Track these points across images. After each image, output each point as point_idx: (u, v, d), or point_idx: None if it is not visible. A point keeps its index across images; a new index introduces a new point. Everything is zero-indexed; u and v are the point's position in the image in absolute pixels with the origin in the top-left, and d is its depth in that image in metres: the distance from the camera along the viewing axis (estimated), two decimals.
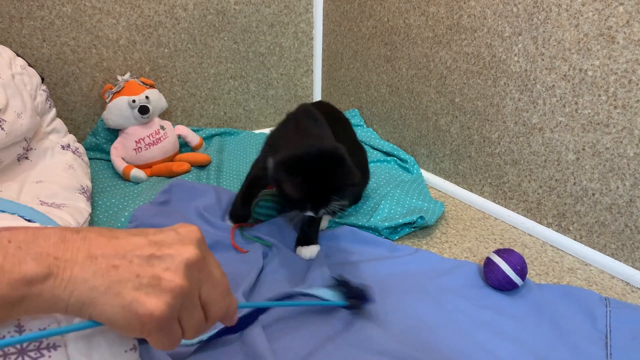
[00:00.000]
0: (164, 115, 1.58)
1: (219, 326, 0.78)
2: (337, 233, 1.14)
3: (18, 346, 0.40)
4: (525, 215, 1.25)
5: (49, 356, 0.41)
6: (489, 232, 1.22)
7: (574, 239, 1.15)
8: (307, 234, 1.08)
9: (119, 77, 1.43)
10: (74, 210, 1.01)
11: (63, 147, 1.12)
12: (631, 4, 0.93)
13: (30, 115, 1.00)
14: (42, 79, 1.13)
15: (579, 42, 1.03)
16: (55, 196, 1.00)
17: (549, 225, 1.20)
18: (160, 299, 0.39)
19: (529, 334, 0.87)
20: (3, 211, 0.70)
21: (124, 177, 1.35)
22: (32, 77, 1.07)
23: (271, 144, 1.06)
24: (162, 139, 1.41)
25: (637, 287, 1.03)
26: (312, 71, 1.89)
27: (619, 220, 1.05)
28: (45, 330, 0.41)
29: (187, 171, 1.39)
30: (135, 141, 1.38)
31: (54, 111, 1.14)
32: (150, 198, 1.16)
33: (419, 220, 1.17)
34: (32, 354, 0.40)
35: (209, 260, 0.46)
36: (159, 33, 1.51)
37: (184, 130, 1.52)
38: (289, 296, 0.89)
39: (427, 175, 1.50)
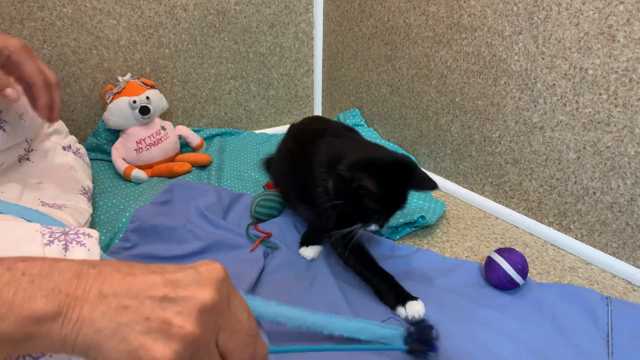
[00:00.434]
0: (164, 116, 1.58)
1: None
2: None
3: None
4: (526, 215, 1.25)
5: None
6: (490, 232, 1.22)
7: (575, 238, 1.15)
8: (313, 234, 1.07)
9: (120, 78, 1.43)
10: (75, 210, 1.01)
11: (64, 148, 1.12)
12: (631, 2, 0.93)
13: (31, 117, 1.00)
14: None
15: (580, 40, 1.03)
16: (56, 197, 1.01)
17: (550, 224, 1.20)
18: (168, 346, 0.36)
19: (530, 333, 0.87)
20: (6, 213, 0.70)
21: (125, 178, 1.35)
22: None
23: (326, 159, 0.97)
24: (162, 139, 1.41)
25: (639, 286, 1.03)
26: (313, 71, 1.89)
27: (620, 219, 1.05)
28: None
29: (188, 171, 1.39)
30: (136, 142, 1.38)
31: None
32: (151, 198, 1.17)
33: (420, 219, 1.17)
34: None
35: (232, 302, 0.43)
36: (159, 34, 1.51)
37: (184, 130, 1.52)
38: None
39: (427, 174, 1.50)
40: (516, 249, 1.01)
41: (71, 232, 0.67)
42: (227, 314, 0.41)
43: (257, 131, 1.81)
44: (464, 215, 1.29)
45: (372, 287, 0.94)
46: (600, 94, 1.02)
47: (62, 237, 0.65)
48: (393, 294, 0.91)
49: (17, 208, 0.71)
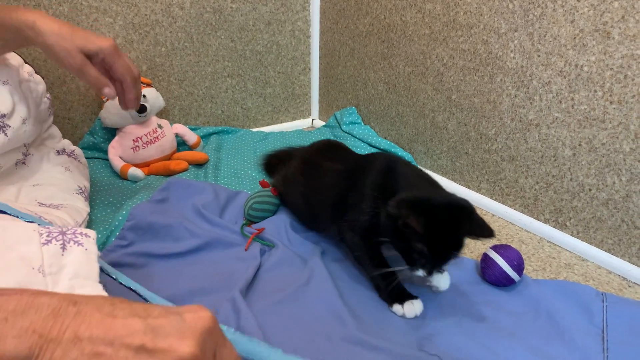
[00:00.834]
0: (161, 114, 1.58)
1: None
2: None
3: None
4: (522, 212, 1.25)
5: None
6: None
7: (571, 235, 1.15)
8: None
9: None
10: (72, 210, 1.01)
11: (58, 152, 1.13)
12: None
13: (33, 122, 1.00)
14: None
15: (575, 37, 1.03)
16: (52, 197, 1.01)
17: (546, 221, 1.20)
18: None
19: (526, 329, 0.87)
20: (2, 212, 0.70)
21: (121, 176, 1.35)
22: (39, 84, 1.07)
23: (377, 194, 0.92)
24: (159, 137, 1.41)
25: (634, 282, 1.04)
26: (310, 69, 1.89)
27: (616, 215, 1.06)
28: None
29: (185, 170, 1.39)
30: (133, 140, 1.38)
31: (51, 118, 1.14)
32: (148, 196, 1.17)
33: None
34: None
35: (220, 354, 0.40)
36: (155, 32, 1.51)
37: (181, 128, 1.52)
38: None
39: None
40: (512, 245, 1.01)
41: (69, 231, 0.67)
42: None
43: (254, 129, 1.81)
44: None
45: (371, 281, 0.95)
46: (595, 91, 1.03)
47: (60, 236, 0.65)
48: (392, 291, 0.91)
49: (11, 210, 0.71)
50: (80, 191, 1.09)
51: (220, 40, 1.64)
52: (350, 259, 1.04)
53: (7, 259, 0.57)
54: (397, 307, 0.89)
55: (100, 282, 0.63)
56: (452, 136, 1.39)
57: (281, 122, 1.91)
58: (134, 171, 1.33)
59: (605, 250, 1.10)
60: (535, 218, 1.22)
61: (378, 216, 0.87)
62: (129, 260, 0.97)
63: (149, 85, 1.45)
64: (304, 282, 0.95)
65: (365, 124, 1.74)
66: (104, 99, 1.40)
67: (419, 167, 0.99)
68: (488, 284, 0.99)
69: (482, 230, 0.83)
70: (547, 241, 1.18)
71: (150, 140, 1.40)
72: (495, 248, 0.98)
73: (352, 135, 1.69)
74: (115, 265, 0.95)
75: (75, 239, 0.64)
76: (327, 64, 1.84)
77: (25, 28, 0.83)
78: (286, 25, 1.75)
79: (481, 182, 1.34)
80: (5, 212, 0.69)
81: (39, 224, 0.66)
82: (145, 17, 1.47)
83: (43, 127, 1.11)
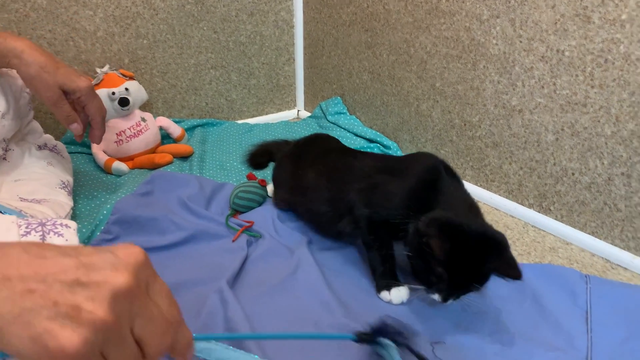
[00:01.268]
0: (144, 107, 1.56)
1: None
2: None
3: None
4: (507, 197, 1.26)
5: None
6: None
7: (555, 219, 1.16)
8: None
9: (98, 70, 1.41)
10: (54, 204, 1.00)
11: (39, 147, 1.12)
12: None
13: (12, 117, 0.99)
14: None
15: (556, 23, 1.04)
16: (34, 192, 1.00)
17: (530, 206, 1.21)
18: (77, 332, 0.34)
19: (511, 313, 0.88)
20: None
21: (105, 170, 1.34)
22: (17, 78, 1.06)
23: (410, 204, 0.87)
24: (143, 130, 1.40)
25: (617, 264, 1.05)
26: (294, 59, 1.89)
27: (599, 198, 1.07)
28: None
29: (170, 162, 1.38)
30: (116, 134, 1.37)
31: (32, 113, 1.13)
32: (133, 190, 1.16)
33: None
34: None
35: (152, 288, 0.41)
36: (137, 24, 1.50)
37: (165, 121, 1.51)
38: None
39: None
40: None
41: (48, 223, 0.67)
42: (144, 300, 0.40)
43: (239, 121, 1.80)
44: None
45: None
46: (577, 76, 1.03)
47: (39, 228, 0.64)
48: (384, 274, 0.91)
49: None
50: (63, 186, 1.08)
51: (202, 32, 1.63)
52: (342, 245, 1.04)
53: None
54: (384, 294, 0.89)
55: None
56: (437, 124, 1.39)
57: (267, 114, 1.90)
58: (118, 165, 1.32)
59: (588, 234, 1.11)
60: (519, 203, 1.23)
61: (405, 224, 0.84)
62: None
63: (131, 78, 1.43)
64: (291, 272, 0.95)
65: (350, 114, 1.74)
66: None
67: (463, 184, 0.94)
68: None
69: (510, 270, 0.77)
70: (532, 226, 1.19)
71: (134, 133, 1.38)
72: None
73: (338, 126, 1.69)
74: None
75: (55, 230, 0.63)
76: (312, 54, 1.84)
77: (12, 56, 0.88)
78: (269, 15, 1.74)
79: (466, 169, 1.35)
80: None
81: (18, 217, 0.65)
82: (126, 9, 1.46)
83: (23, 122, 1.09)
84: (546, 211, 1.18)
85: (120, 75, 1.41)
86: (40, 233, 0.62)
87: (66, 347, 0.33)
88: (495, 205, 1.27)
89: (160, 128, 1.49)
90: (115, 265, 0.38)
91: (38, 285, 0.35)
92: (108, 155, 1.36)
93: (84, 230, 1.04)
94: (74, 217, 1.08)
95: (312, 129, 1.70)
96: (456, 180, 0.93)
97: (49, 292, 0.35)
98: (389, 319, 0.69)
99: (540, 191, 1.18)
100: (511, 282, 0.78)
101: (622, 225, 1.05)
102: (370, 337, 0.68)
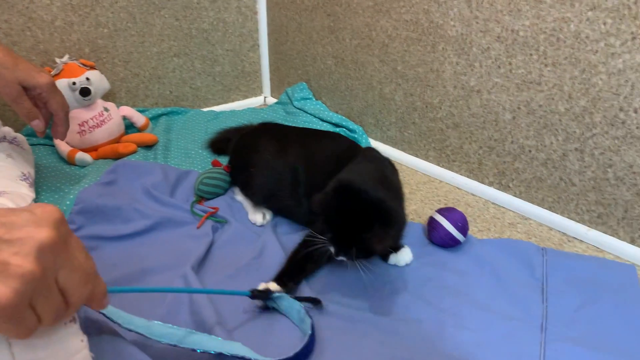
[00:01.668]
0: (107, 97, 1.54)
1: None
2: None
3: None
4: (468, 176, 1.29)
5: None
6: (434, 195, 1.25)
7: (514, 195, 1.20)
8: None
9: (57, 60, 1.39)
10: (15, 196, 0.99)
11: None
12: None
13: None
14: None
15: (510, 3, 1.06)
16: None
17: (490, 184, 1.24)
18: (7, 285, 0.37)
19: (471, 286, 0.91)
20: None
21: (69, 162, 1.32)
22: None
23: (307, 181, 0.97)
24: (106, 120, 1.39)
25: (573, 237, 1.09)
26: (259, 46, 1.88)
27: (554, 174, 1.10)
28: None
29: (134, 152, 1.37)
30: (79, 124, 1.35)
31: None
32: (96, 179, 1.15)
33: None
34: None
35: (70, 242, 0.44)
36: (96, 13, 1.47)
37: (128, 111, 1.49)
38: None
39: (375, 144, 1.53)
40: (458, 209, 1.05)
41: None
42: (66, 252, 0.42)
43: (205, 109, 1.79)
44: (409, 181, 1.33)
45: None
46: (531, 55, 1.06)
47: None
48: None
49: None
50: (25, 177, 1.07)
51: (164, 20, 1.61)
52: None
53: None
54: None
55: None
56: (400, 107, 1.41)
57: (233, 101, 1.90)
58: (82, 156, 1.31)
59: (546, 209, 1.14)
60: (480, 181, 1.26)
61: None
62: None
63: (92, 68, 1.41)
64: (256, 256, 0.97)
65: (316, 99, 1.75)
66: None
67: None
68: (435, 245, 1.02)
69: (376, 243, 0.78)
70: (492, 203, 1.22)
71: (97, 124, 1.37)
72: (440, 211, 1.01)
73: (304, 111, 1.69)
74: None
75: None
76: (276, 40, 1.84)
77: None
78: (232, 1, 1.73)
79: (429, 151, 1.37)
80: None
81: None
82: None
83: None
84: (505, 188, 1.21)
85: (81, 65, 1.39)
86: None
87: None
88: (457, 184, 1.30)
89: (124, 118, 1.48)
90: (37, 222, 0.40)
91: None
92: (71, 146, 1.34)
93: None
94: None
95: (279, 115, 1.71)
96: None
97: None
98: None
99: (500, 169, 1.21)
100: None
101: (577, 199, 1.08)
102: (263, 293, 0.79)
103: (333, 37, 1.57)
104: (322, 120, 1.63)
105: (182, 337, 0.69)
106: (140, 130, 1.51)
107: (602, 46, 0.95)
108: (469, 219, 1.02)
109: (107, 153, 1.35)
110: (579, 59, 0.99)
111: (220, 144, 1.38)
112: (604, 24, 0.93)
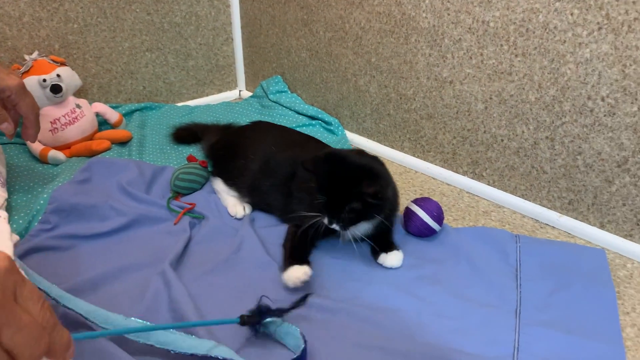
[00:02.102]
0: (79, 94, 1.52)
1: None
2: None
3: None
4: (442, 166, 1.31)
5: None
6: (409, 185, 1.27)
7: (488, 184, 1.22)
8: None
9: (27, 57, 1.36)
10: None
11: None
12: None
13: None
14: None
15: None
16: None
17: (464, 173, 1.26)
18: None
19: (447, 275, 0.93)
20: None
21: (41, 160, 1.30)
22: None
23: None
24: (78, 117, 1.37)
25: (545, 223, 1.12)
26: (232, 39, 1.87)
27: (526, 162, 1.13)
28: None
29: (108, 149, 1.35)
30: (50, 122, 1.33)
31: None
32: (70, 178, 1.14)
33: None
34: None
35: (20, 294, 0.39)
36: (65, 8, 1.45)
37: (101, 107, 1.47)
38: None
39: (351, 136, 1.54)
40: (434, 198, 1.06)
41: None
42: (11, 308, 0.38)
43: (179, 104, 1.78)
44: None
45: None
46: (501, 45, 1.08)
47: None
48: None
49: None
50: None
51: (135, 14, 1.59)
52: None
53: None
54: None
55: None
56: (374, 99, 1.42)
57: (207, 95, 1.88)
58: (54, 154, 1.29)
59: (519, 196, 1.17)
60: (454, 171, 1.28)
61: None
62: (54, 243, 0.95)
63: (62, 64, 1.39)
64: (235, 250, 0.97)
65: (292, 92, 1.75)
66: None
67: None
68: (411, 235, 1.03)
69: (369, 192, 0.85)
70: (466, 192, 1.24)
71: (69, 121, 1.35)
72: (416, 201, 1.03)
73: (280, 104, 1.69)
74: (39, 249, 0.93)
75: None
76: (250, 33, 1.83)
77: None
78: None
79: (404, 142, 1.39)
80: None
81: None
82: None
83: None
84: (479, 177, 1.23)
85: (51, 62, 1.36)
86: None
87: None
88: (431, 174, 1.32)
89: (97, 114, 1.46)
90: None
91: None
92: (43, 145, 1.32)
93: (20, 221, 1.02)
94: (9, 209, 1.05)
95: (254, 109, 1.70)
96: None
97: None
98: (267, 300, 0.75)
99: (473, 158, 1.23)
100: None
101: (548, 186, 1.11)
102: (253, 318, 0.73)
103: (307, 29, 1.57)
104: (298, 113, 1.64)
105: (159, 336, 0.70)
106: (113, 126, 1.49)
107: (570, 36, 0.97)
108: (444, 208, 1.04)
109: (81, 151, 1.34)
110: (547, 49, 1.01)
111: (182, 132, 1.42)
112: (571, 14, 0.95)
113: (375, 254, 0.96)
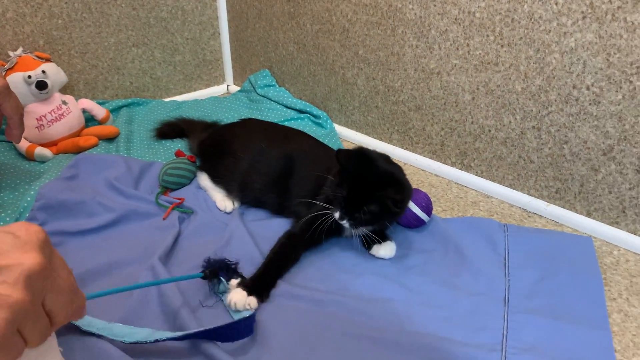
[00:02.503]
0: (65, 90, 1.51)
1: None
2: None
3: None
4: (431, 158, 1.31)
5: None
6: None
7: (476, 175, 1.23)
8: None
9: (11, 53, 1.35)
10: None
11: None
12: None
13: None
14: None
15: None
16: None
17: (452, 164, 1.27)
18: None
19: (435, 265, 0.94)
20: None
21: (28, 157, 1.29)
22: None
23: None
24: (65, 114, 1.36)
25: (533, 212, 1.12)
26: (219, 33, 1.86)
27: (514, 152, 1.13)
28: None
29: (95, 145, 1.35)
30: (37, 119, 1.31)
31: None
32: (57, 175, 1.13)
33: None
34: None
35: (55, 262, 0.43)
36: (49, 3, 1.43)
37: (88, 103, 1.46)
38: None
39: (339, 129, 1.54)
40: (423, 190, 1.07)
41: None
42: (52, 275, 0.41)
43: (167, 99, 1.77)
44: None
45: None
46: (487, 36, 1.08)
47: None
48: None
49: None
50: None
51: (121, 9, 1.58)
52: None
53: None
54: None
55: None
56: (362, 91, 1.42)
57: (195, 90, 1.88)
58: (41, 151, 1.28)
59: (507, 186, 1.18)
60: (442, 162, 1.29)
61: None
62: None
63: (48, 60, 1.38)
64: (224, 244, 0.97)
65: (280, 86, 1.74)
66: None
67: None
68: (400, 226, 1.04)
69: (391, 201, 0.86)
70: (455, 183, 1.25)
71: (55, 117, 1.34)
72: None
73: (268, 98, 1.69)
74: None
75: None
76: (237, 27, 1.82)
77: None
78: None
79: (392, 134, 1.39)
80: None
81: None
82: None
83: None
84: (467, 168, 1.24)
85: (36, 58, 1.35)
86: None
87: None
88: (420, 166, 1.32)
89: (84, 110, 1.45)
90: (22, 246, 0.39)
91: None
92: (29, 142, 1.31)
93: (7, 219, 1.01)
94: None
95: (242, 103, 1.70)
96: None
97: None
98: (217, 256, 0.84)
99: (461, 149, 1.23)
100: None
101: (535, 175, 1.12)
102: (213, 273, 0.81)
103: (294, 22, 1.56)
104: (286, 107, 1.63)
105: (146, 336, 0.70)
106: (100, 122, 1.48)
107: (555, 26, 0.97)
108: (433, 199, 1.05)
109: (68, 147, 1.33)
110: (533, 38, 1.01)
111: (166, 127, 1.42)
112: (556, 3, 0.96)
113: (368, 245, 0.96)
